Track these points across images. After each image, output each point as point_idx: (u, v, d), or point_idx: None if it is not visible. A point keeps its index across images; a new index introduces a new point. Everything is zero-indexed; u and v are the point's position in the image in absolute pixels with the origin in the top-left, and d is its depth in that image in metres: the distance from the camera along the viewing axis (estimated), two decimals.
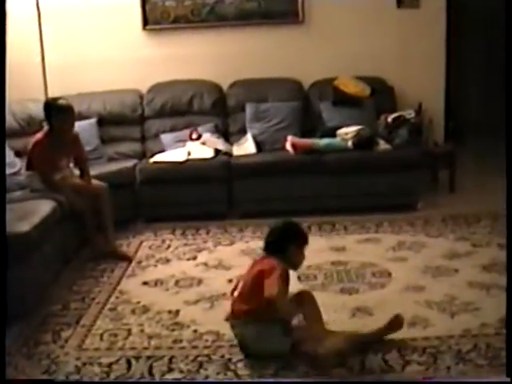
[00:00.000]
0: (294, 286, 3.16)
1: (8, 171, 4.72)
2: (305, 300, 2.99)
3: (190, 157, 5.20)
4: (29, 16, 5.65)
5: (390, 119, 5.37)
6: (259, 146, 5.44)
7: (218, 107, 5.79)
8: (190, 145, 5.36)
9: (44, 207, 4.03)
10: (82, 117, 5.33)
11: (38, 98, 5.54)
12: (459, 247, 4.28)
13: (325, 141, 5.25)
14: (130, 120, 5.75)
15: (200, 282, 3.92)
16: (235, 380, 2.82)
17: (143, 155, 5.60)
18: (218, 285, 3.81)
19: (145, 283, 3.97)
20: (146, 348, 3.13)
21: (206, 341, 3.16)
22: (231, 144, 5.55)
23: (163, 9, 5.84)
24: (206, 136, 5.43)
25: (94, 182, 4.62)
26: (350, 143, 5.17)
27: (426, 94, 5.83)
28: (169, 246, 4.61)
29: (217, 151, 5.30)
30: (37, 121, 5.30)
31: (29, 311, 3.56)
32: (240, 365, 2.92)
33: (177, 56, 5.89)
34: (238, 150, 5.41)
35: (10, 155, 4.93)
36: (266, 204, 5.06)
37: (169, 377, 2.86)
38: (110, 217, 4.51)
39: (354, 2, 5.75)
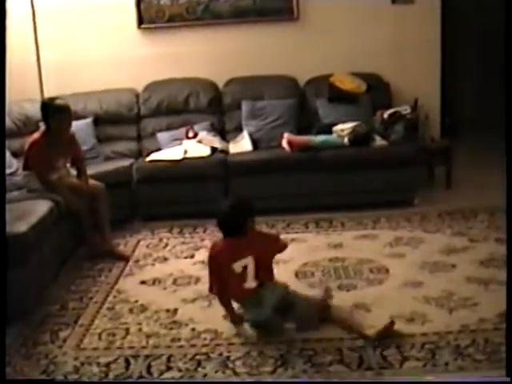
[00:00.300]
0: None
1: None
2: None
3: (187, 155, 5.19)
4: (23, 15, 5.65)
5: (386, 115, 5.36)
6: (255, 143, 5.44)
7: (213, 105, 5.78)
8: (186, 143, 5.36)
9: (41, 207, 4.02)
10: (78, 116, 5.32)
11: (34, 98, 5.55)
12: (456, 242, 4.28)
13: (321, 137, 5.25)
14: (126, 119, 5.75)
15: (198, 280, 3.92)
16: (234, 380, 2.82)
17: (139, 154, 5.60)
18: None
19: (142, 282, 3.97)
20: (144, 347, 3.13)
21: (204, 339, 3.16)
22: (227, 142, 5.55)
23: (158, 7, 5.83)
24: (203, 134, 5.43)
25: (91, 181, 4.61)
26: (346, 140, 5.17)
27: (422, 89, 5.83)
28: (166, 245, 4.61)
29: (213, 149, 5.29)
30: (33, 121, 5.30)
31: (27, 311, 3.56)
32: (238, 363, 2.92)
33: (172, 54, 5.89)
34: (234, 147, 5.41)
35: (6, 155, 4.92)
36: (263, 201, 5.01)
37: (167, 375, 2.87)
38: (107, 216, 4.51)
39: None
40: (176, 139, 5.47)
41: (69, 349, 3.16)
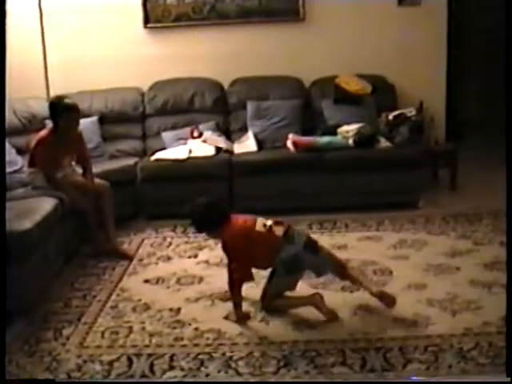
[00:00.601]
0: None
1: (10, 169, 4.73)
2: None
3: (191, 155, 5.19)
4: (31, 15, 5.66)
5: (391, 117, 5.36)
6: (260, 143, 5.44)
7: (219, 105, 5.79)
8: (191, 143, 5.36)
9: (46, 205, 4.02)
10: (84, 115, 5.27)
11: (40, 96, 5.57)
12: (461, 245, 4.27)
13: (326, 139, 5.25)
14: (132, 118, 5.76)
15: (201, 279, 3.92)
16: (237, 380, 2.82)
17: (144, 153, 5.61)
18: (219, 283, 3.79)
19: (146, 281, 3.97)
20: (147, 346, 3.13)
21: (207, 339, 3.16)
22: (232, 142, 5.56)
23: (164, 7, 5.84)
24: (207, 134, 5.43)
25: (97, 180, 4.61)
26: (350, 141, 5.17)
27: (427, 91, 5.83)
28: (170, 244, 4.61)
29: (218, 149, 5.29)
30: (38, 119, 5.31)
31: (30, 309, 3.56)
32: (241, 363, 2.92)
33: (178, 54, 5.90)
34: (238, 147, 5.41)
35: (11, 153, 4.94)
36: (267, 202, 5.05)
37: (170, 375, 2.87)
38: (111, 215, 4.51)
39: None
40: (181, 139, 5.48)
41: (72, 346, 3.17)
